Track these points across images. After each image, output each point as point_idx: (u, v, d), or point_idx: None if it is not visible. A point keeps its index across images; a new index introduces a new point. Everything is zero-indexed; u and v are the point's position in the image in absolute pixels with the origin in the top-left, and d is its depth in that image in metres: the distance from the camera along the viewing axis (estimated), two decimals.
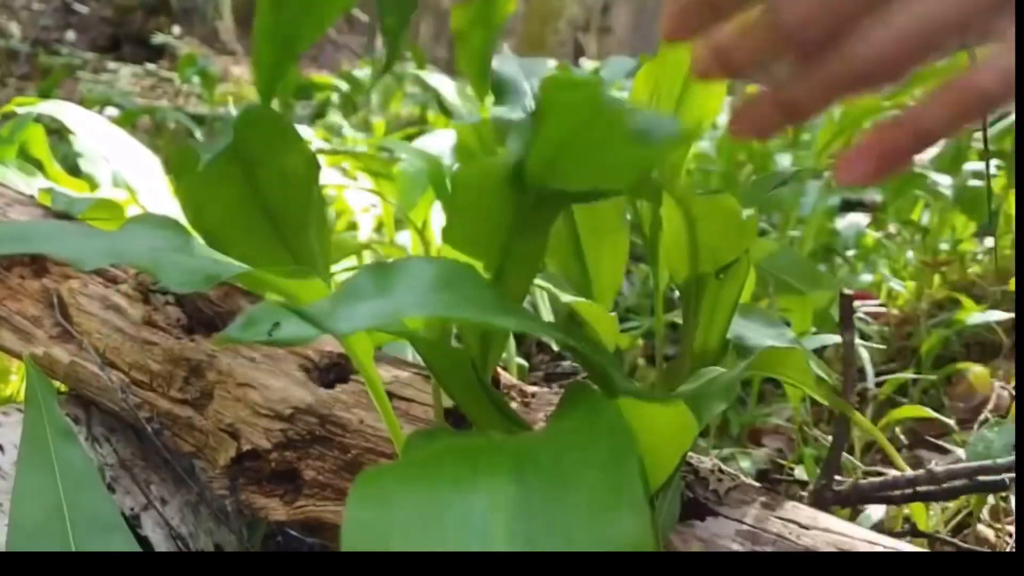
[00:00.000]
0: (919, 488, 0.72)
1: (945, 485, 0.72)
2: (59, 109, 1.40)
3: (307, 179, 0.68)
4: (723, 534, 0.59)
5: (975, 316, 1.13)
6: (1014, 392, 0.98)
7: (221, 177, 0.63)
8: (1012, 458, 0.71)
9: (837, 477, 0.77)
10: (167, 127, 3.99)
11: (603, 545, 0.28)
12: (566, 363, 1.17)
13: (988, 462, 0.71)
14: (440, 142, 1.82)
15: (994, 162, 1.80)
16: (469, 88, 3.22)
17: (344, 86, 4.68)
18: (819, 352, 1.05)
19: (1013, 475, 0.70)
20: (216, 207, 0.66)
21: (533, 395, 0.72)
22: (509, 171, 0.47)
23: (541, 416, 0.69)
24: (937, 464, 0.75)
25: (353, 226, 1.77)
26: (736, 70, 0.44)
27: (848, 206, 2.17)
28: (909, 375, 1.13)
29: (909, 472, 0.73)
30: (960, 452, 0.88)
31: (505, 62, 0.72)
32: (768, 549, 0.58)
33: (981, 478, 0.72)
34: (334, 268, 1.16)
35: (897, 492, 0.74)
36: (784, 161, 1.97)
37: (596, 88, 0.40)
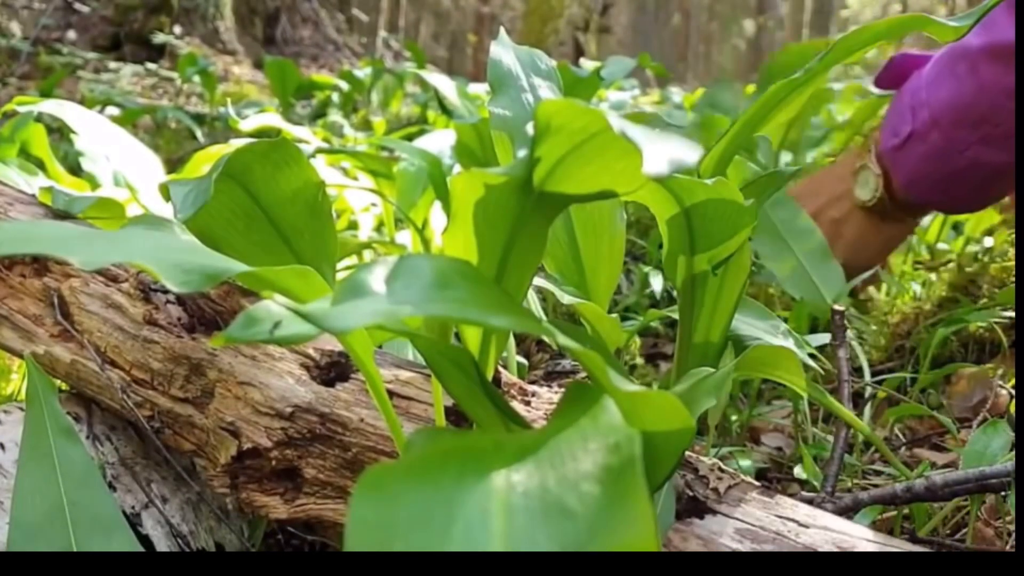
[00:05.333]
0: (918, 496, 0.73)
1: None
2: (60, 108, 1.41)
3: (307, 191, 0.69)
4: (722, 532, 0.59)
5: (974, 316, 1.13)
6: (1013, 392, 0.98)
7: (218, 191, 0.63)
8: (1010, 464, 0.71)
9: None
10: (168, 126, 3.99)
11: (607, 545, 0.28)
12: (566, 362, 1.17)
13: (986, 468, 0.72)
14: (440, 142, 1.82)
15: None
16: (469, 87, 3.22)
17: (344, 86, 4.69)
18: (820, 349, 1.05)
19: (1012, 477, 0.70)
20: (217, 212, 0.67)
21: (533, 394, 0.72)
22: (512, 180, 0.48)
23: (541, 415, 0.69)
24: (935, 470, 0.75)
25: (353, 225, 1.77)
26: None
27: None
28: (907, 374, 1.13)
29: (907, 482, 0.74)
30: (958, 453, 0.89)
31: (503, 52, 0.70)
32: (767, 547, 0.58)
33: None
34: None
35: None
36: (782, 159, 1.97)
37: (599, 113, 0.40)
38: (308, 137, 1.94)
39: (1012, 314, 1.12)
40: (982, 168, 1.24)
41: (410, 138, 2.22)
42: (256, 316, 0.37)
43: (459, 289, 0.40)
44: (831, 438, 0.95)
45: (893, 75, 1.35)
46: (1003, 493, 0.72)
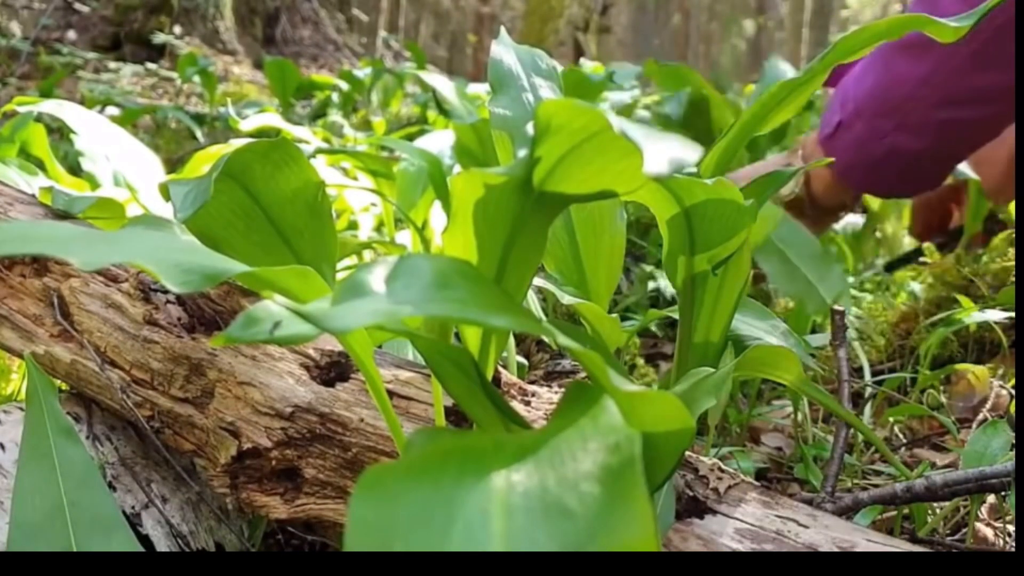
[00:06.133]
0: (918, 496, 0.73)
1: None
2: (60, 108, 1.41)
3: (307, 191, 0.69)
4: (722, 532, 0.59)
5: (974, 315, 1.13)
6: (1013, 391, 0.98)
7: (218, 191, 0.63)
8: (1010, 464, 0.71)
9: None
10: (168, 126, 3.99)
11: (607, 545, 0.28)
12: (566, 362, 1.17)
13: (986, 468, 0.72)
14: (440, 142, 1.82)
15: None
16: (469, 87, 3.22)
17: (344, 86, 4.69)
18: (820, 348, 1.05)
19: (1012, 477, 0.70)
20: (217, 212, 0.67)
21: (533, 394, 0.72)
22: (512, 180, 0.48)
23: (541, 415, 0.69)
24: (935, 470, 0.75)
25: (353, 225, 1.77)
26: None
27: None
28: (907, 374, 1.13)
29: (907, 482, 0.74)
30: (958, 453, 0.89)
31: (504, 52, 0.70)
32: (767, 547, 0.58)
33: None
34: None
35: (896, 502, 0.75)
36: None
37: (599, 112, 0.40)
38: (308, 137, 1.94)
39: (1012, 314, 1.12)
40: (901, 155, 1.32)
41: (410, 138, 2.22)
42: (256, 316, 0.37)
43: (459, 289, 0.40)
44: (831, 438, 0.95)
45: (840, 74, 1.42)
46: (1003, 493, 0.72)
